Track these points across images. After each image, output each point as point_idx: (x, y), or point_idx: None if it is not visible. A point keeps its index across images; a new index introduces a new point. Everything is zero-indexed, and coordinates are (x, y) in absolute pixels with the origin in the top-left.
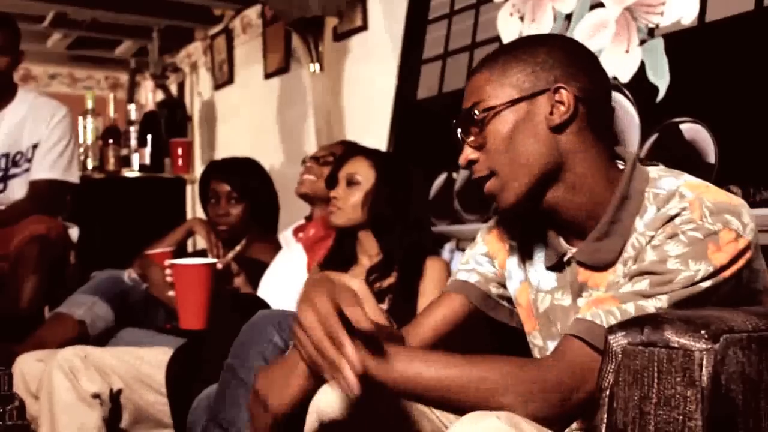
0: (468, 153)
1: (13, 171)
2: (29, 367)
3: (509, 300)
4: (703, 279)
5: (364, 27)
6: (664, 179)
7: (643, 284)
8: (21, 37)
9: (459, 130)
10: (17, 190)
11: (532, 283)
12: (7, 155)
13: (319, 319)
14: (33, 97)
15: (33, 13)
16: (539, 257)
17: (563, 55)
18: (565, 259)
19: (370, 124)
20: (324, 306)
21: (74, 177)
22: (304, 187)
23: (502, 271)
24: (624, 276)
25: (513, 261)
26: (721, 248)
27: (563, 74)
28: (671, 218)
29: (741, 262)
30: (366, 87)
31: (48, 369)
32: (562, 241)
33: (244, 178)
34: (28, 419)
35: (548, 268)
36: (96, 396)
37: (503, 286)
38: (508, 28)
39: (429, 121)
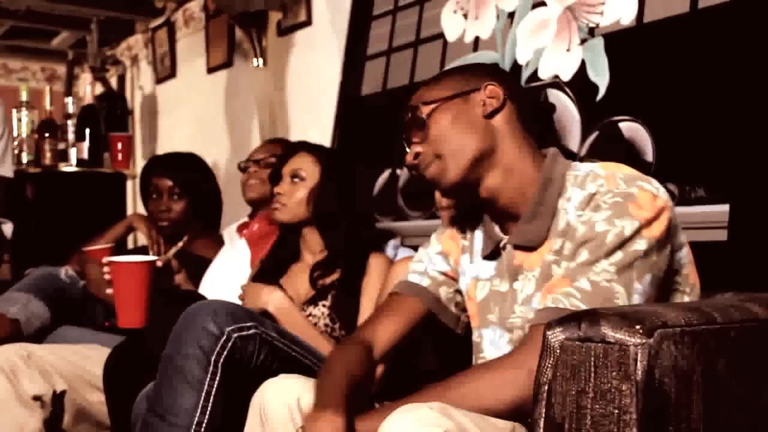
0: (414, 148)
1: None
2: None
3: (457, 304)
4: (633, 235)
5: (308, 22)
6: (582, 165)
7: (582, 256)
8: None
9: (404, 136)
10: None
11: (477, 276)
12: None
13: None
14: None
15: None
16: (479, 249)
17: (490, 68)
18: (501, 244)
19: (315, 119)
20: None
21: (8, 171)
22: (252, 192)
23: (456, 268)
24: (566, 259)
25: (465, 258)
26: (641, 206)
27: (492, 78)
28: (592, 196)
29: (664, 220)
30: (310, 82)
31: None
32: (496, 228)
33: (187, 174)
34: None
35: (486, 257)
36: (37, 398)
37: (455, 286)
38: (452, 25)
39: (373, 117)
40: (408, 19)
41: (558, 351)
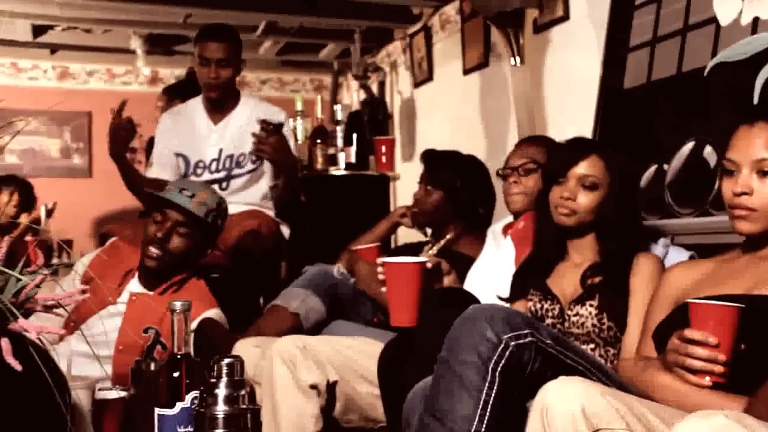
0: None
1: (236, 171)
2: (247, 353)
3: None
4: None
5: (565, 17)
6: None
7: None
8: (242, 48)
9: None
10: (237, 188)
11: None
12: (231, 156)
13: None
14: (254, 103)
15: (247, 23)
16: None
17: None
18: None
19: (573, 115)
20: None
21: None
22: (516, 205)
23: None
24: None
25: None
26: None
27: None
28: None
29: None
30: (568, 78)
31: (268, 358)
32: None
33: (441, 168)
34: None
35: None
36: (313, 387)
37: None
38: (726, 7)
39: (637, 111)
40: (675, 6)
41: None
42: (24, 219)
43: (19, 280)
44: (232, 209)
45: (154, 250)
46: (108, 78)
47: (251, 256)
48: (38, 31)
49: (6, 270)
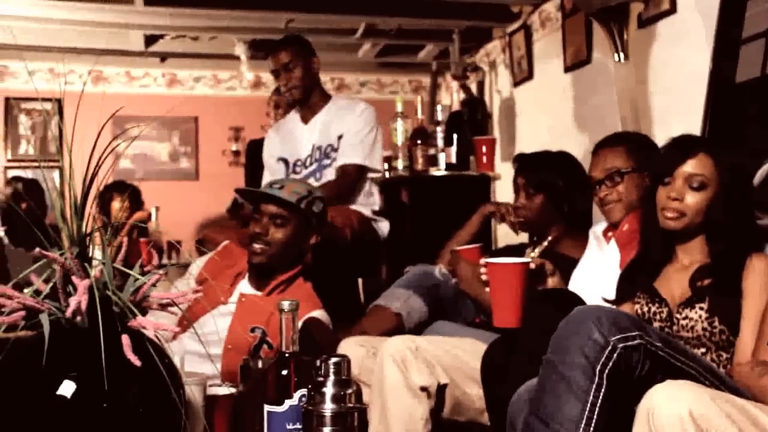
0: None
1: (325, 162)
2: (352, 352)
3: None
4: None
5: (672, 10)
6: None
7: None
8: (309, 48)
9: None
10: (330, 177)
11: None
12: (320, 148)
13: None
14: (341, 99)
15: (346, 26)
16: None
17: None
18: None
19: (680, 110)
20: None
21: (376, 164)
22: (616, 214)
23: None
24: None
25: None
26: None
27: None
28: None
29: None
30: (674, 72)
31: (380, 358)
32: None
33: (542, 172)
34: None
35: None
36: (424, 389)
37: None
38: None
39: (750, 106)
40: None
41: None
42: (134, 219)
43: (136, 279)
44: None
45: (257, 246)
46: (214, 83)
47: (331, 249)
48: (150, 40)
49: (126, 270)
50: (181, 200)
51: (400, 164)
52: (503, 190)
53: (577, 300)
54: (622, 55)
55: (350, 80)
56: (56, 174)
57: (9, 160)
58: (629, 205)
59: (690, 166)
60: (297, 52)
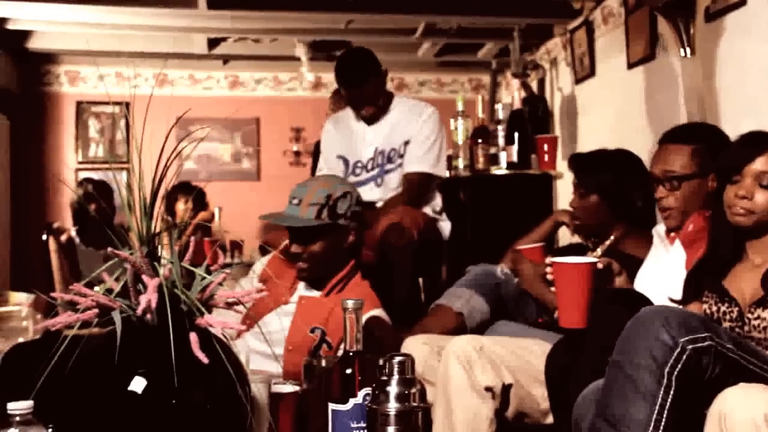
0: None
1: (388, 166)
2: (416, 351)
3: None
4: None
5: (741, 2)
6: None
7: None
8: (380, 67)
9: None
10: (392, 183)
11: None
12: (383, 152)
13: None
14: (405, 101)
15: (406, 26)
16: None
17: None
18: None
19: (749, 107)
20: None
21: (442, 171)
22: (672, 221)
23: None
24: None
25: None
26: None
27: None
28: None
29: None
30: (744, 67)
31: (444, 357)
32: None
33: (593, 171)
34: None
35: None
36: (488, 389)
37: None
38: None
39: None
40: None
41: None
42: (199, 219)
43: (203, 278)
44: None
45: (300, 264)
46: (274, 85)
47: (393, 249)
48: (212, 44)
49: (193, 269)
50: (243, 200)
51: (460, 163)
52: (565, 189)
53: (645, 301)
54: (688, 50)
55: (410, 80)
56: (124, 175)
57: (80, 162)
58: (687, 213)
59: (760, 164)
60: (377, 82)
